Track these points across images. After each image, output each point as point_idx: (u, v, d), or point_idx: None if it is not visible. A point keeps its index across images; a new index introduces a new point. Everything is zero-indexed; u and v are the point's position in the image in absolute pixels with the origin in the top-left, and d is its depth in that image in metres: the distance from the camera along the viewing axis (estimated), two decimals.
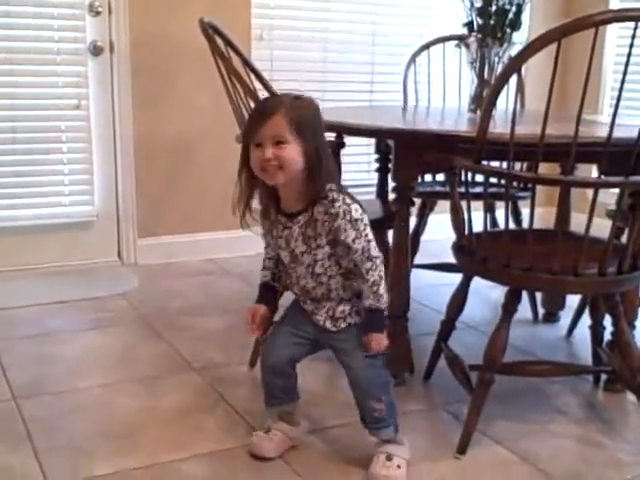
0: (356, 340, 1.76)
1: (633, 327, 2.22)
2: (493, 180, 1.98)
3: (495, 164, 2.04)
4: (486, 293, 3.02)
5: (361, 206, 1.69)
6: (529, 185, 2.75)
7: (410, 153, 2.18)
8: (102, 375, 2.35)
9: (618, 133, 1.74)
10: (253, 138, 1.65)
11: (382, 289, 1.72)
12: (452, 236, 2.10)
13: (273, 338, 1.85)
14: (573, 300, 2.78)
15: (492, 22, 2.48)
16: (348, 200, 1.67)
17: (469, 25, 2.55)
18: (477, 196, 2.03)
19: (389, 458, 1.79)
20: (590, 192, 1.82)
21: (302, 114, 1.65)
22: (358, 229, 1.67)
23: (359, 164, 3.85)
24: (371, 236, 1.69)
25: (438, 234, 3.13)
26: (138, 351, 2.55)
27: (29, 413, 2.07)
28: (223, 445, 1.93)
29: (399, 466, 1.79)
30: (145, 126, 3.46)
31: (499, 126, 2.06)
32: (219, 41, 2.27)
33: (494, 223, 3.10)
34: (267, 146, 1.62)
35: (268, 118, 1.62)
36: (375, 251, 1.70)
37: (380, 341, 1.73)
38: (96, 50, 3.31)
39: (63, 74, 3.28)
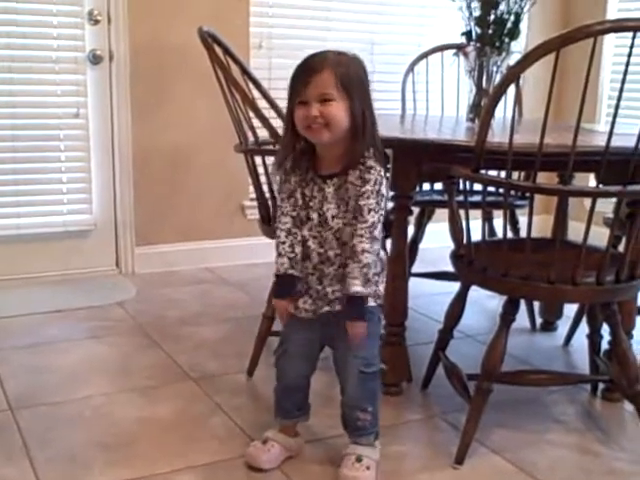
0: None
1: (631, 336, 2.21)
2: (491, 189, 1.97)
3: (492, 173, 2.05)
4: (484, 302, 3.03)
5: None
6: (527, 194, 2.75)
7: (408, 162, 2.18)
8: (99, 385, 2.34)
9: (616, 142, 1.74)
10: (298, 96, 1.62)
11: (379, 279, 1.73)
12: (450, 244, 2.10)
13: (286, 357, 1.84)
14: (571, 309, 2.78)
15: (490, 31, 2.49)
16: (382, 173, 1.66)
17: (467, 34, 2.55)
18: (475, 205, 2.03)
19: (359, 459, 1.79)
20: (587, 201, 1.82)
21: (349, 71, 1.63)
22: (379, 204, 1.65)
23: None
24: (382, 219, 1.67)
25: (436, 242, 3.13)
26: (135, 361, 2.54)
27: (25, 423, 2.06)
28: (220, 456, 1.92)
29: (368, 467, 1.79)
30: (143, 135, 3.46)
31: (497, 135, 2.06)
32: (218, 50, 2.27)
33: (492, 231, 3.10)
34: (313, 103, 1.60)
35: (314, 75, 1.60)
36: (379, 235, 1.67)
37: (364, 330, 1.70)
38: (95, 59, 3.31)
39: (62, 83, 3.29)
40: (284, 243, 1.73)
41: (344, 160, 1.67)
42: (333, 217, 1.69)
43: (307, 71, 1.62)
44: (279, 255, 1.74)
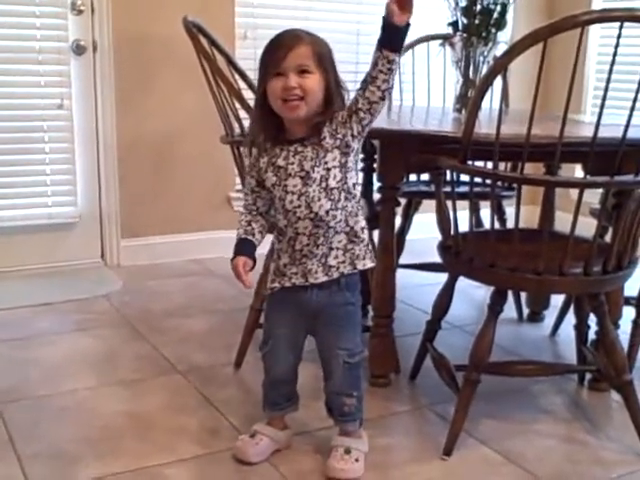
0: (344, 317, 1.77)
1: (617, 326, 2.22)
2: (478, 180, 1.97)
3: (479, 163, 2.04)
4: (471, 293, 3.03)
5: None
6: (513, 184, 2.76)
7: (395, 153, 2.17)
8: (85, 378, 2.32)
9: (603, 133, 1.74)
10: (275, 67, 1.62)
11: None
12: (437, 236, 2.10)
13: (273, 353, 1.83)
14: (558, 299, 2.78)
15: (477, 21, 2.48)
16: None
17: (454, 24, 2.55)
18: (462, 196, 2.03)
19: (347, 451, 1.80)
20: (574, 191, 1.82)
21: (322, 47, 1.65)
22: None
23: None
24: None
25: (423, 233, 3.13)
26: (121, 353, 2.53)
27: (11, 418, 2.05)
28: (208, 449, 1.91)
29: (357, 459, 1.80)
30: (128, 126, 3.43)
31: (484, 126, 2.06)
32: (203, 40, 2.25)
33: (479, 222, 3.10)
34: (290, 75, 1.61)
35: (292, 48, 1.61)
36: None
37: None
38: (79, 49, 3.28)
39: (45, 73, 3.25)
40: (242, 217, 1.81)
41: (311, 124, 1.66)
42: (313, 167, 1.66)
43: (284, 44, 1.64)
44: (239, 227, 1.81)
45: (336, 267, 1.72)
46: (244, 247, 1.76)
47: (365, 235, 1.74)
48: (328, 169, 1.66)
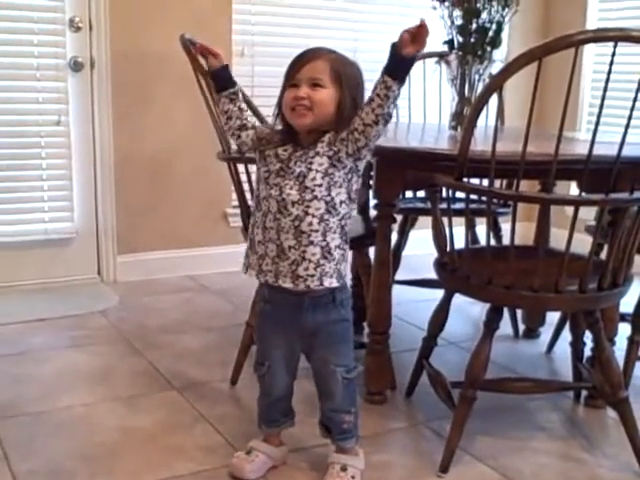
0: (337, 333, 1.76)
1: (613, 343, 2.22)
2: (474, 197, 1.98)
3: (475, 181, 2.05)
4: (467, 309, 3.03)
5: None
6: (509, 202, 2.76)
7: (392, 170, 2.18)
8: (81, 394, 2.32)
9: (598, 151, 1.75)
10: (291, 79, 1.67)
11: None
12: (433, 252, 2.10)
13: (270, 374, 1.83)
14: (553, 316, 2.79)
15: (472, 40, 2.50)
16: None
17: (450, 43, 2.56)
18: (458, 212, 2.04)
19: (344, 469, 1.80)
20: (570, 208, 1.83)
21: (344, 66, 1.69)
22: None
23: None
24: None
25: (419, 250, 3.14)
26: (117, 369, 2.52)
27: (6, 434, 2.04)
28: (204, 466, 1.91)
29: (353, 477, 1.80)
30: (125, 142, 3.44)
31: (480, 143, 2.07)
32: (200, 57, 2.26)
33: (475, 239, 3.11)
34: (303, 86, 1.65)
35: (309, 61, 1.67)
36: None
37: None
38: (76, 66, 3.29)
39: (43, 90, 3.26)
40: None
41: (320, 132, 1.69)
42: (296, 162, 1.69)
43: (302, 58, 1.69)
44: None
45: (304, 279, 1.68)
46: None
47: (337, 254, 1.70)
48: (309, 169, 1.67)
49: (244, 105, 1.86)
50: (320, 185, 1.66)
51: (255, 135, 1.79)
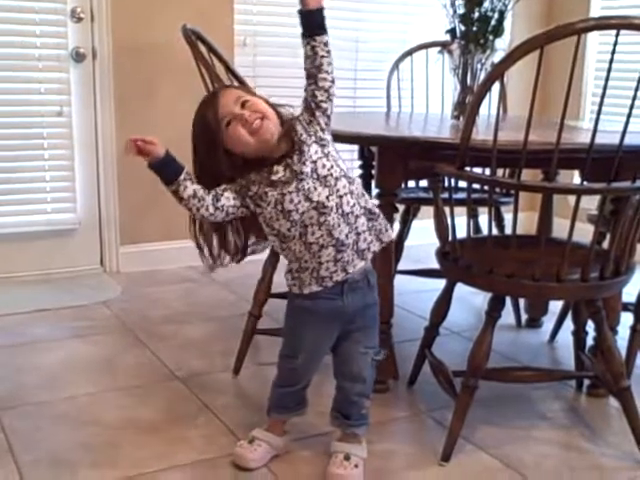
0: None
1: (615, 332, 2.23)
2: (476, 186, 1.98)
3: (477, 170, 2.05)
4: (470, 299, 3.03)
5: None
6: (511, 191, 2.76)
7: (394, 160, 2.18)
8: (84, 385, 2.32)
9: (600, 139, 1.74)
10: (221, 121, 1.71)
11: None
12: (435, 242, 2.10)
13: (305, 366, 1.83)
14: (556, 305, 2.79)
15: (475, 29, 2.49)
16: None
17: (452, 32, 2.55)
18: (460, 202, 2.03)
19: (347, 457, 1.81)
20: (572, 198, 1.82)
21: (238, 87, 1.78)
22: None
23: None
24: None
25: (421, 240, 3.13)
26: (121, 360, 2.53)
27: (9, 424, 2.05)
28: (207, 455, 1.91)
29: (356, 465, 1.81)
30: (127, 133, 3.40)
31: (482, 132, 2.07)
32: (202, 47, 2.26)
33: (477, 228, 3.11)
34: (236, 110, 1.69)
35: (218, 98, 1.74)
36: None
37: None
38: (78, 57, 3.29)
39: (45, 81, 3.26)
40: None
41: (284, 140, 1.71)
42: (302, 166, 1.69)
43: (208, 104, 1.79)
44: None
45: (367, 248, 1.75)
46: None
47: (378, 210, 1.78)
48: (314, 161, 1.69)
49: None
50: (331, 167, 1.70)
51: (234, 191, 1.77)
